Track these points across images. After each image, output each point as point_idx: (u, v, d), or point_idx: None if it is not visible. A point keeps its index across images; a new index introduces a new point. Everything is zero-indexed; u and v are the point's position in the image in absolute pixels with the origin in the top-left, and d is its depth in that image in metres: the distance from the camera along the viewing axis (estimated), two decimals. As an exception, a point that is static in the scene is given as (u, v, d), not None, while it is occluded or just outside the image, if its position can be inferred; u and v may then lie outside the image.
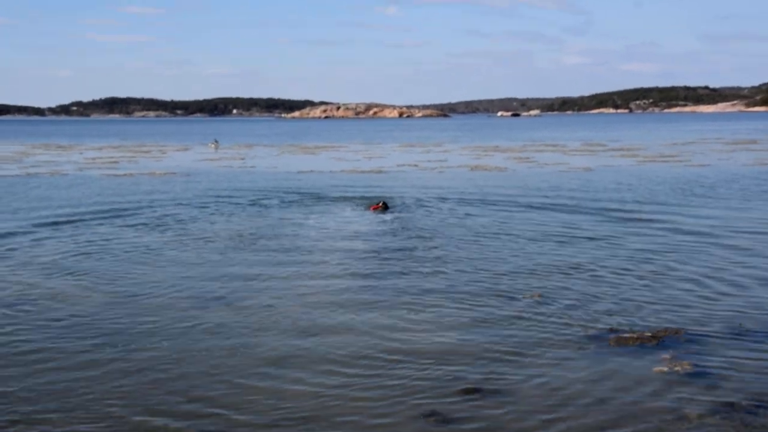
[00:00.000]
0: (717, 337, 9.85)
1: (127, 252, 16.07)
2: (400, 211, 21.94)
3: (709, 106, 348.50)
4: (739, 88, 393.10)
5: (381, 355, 9.39)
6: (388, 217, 20.89)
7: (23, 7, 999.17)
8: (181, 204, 24.45)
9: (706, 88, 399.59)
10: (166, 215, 21.73)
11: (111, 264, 14.86)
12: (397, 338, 10.02)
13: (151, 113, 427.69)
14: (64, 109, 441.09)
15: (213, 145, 69.67)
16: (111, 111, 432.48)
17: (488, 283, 12.95)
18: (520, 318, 10.82)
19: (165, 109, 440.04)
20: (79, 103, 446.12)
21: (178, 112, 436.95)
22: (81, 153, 60.35)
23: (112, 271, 14.23)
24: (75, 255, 15.78)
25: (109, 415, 7.69)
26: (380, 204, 22.17)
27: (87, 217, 21.47)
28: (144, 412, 7.75)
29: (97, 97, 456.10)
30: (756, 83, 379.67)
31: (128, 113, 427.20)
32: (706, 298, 11.85)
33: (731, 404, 7.70)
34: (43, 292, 12.61)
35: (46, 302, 11.98)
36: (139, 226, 19.67)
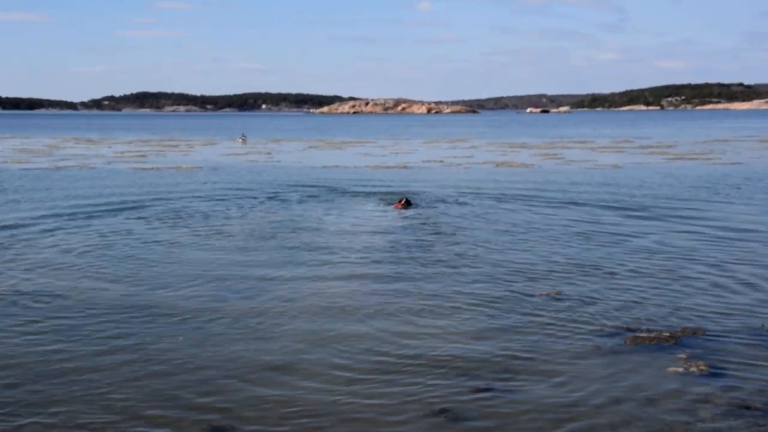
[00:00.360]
0: (736, 338, 9.68)
1: (145, 246, 16.17)
2: (423, 208, 21.85)
3: (743, 103, 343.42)
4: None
5: (395, 355, 9.33)
6: (410, 213, 20.83)
7: (64, 7, 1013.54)
8: (204, 198, 24.59)
9: (741, 85, 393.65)
10: (188, 209, 21.85)
11: (129, 258, 14.95)
12: (409, 334, 9.98)
13: (181, 108, 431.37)
14: (96, 104, 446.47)
15: (241, 140, 70.03)
16: (142, 105, 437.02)
17: (507, 281, 12.85)
18: (537, 317, 10.71)
19: (195, 104, 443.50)
20: (110, 98, 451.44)
21: (208, 106, 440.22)
22: (110, 147, 61.04)
23: (129, 265, 14.31)
24: (92, 248, 15.91)
25: (121, 416, 7.68)
26: (403, 201, 22.04)
27: (109, 209, 21.67)
28: (155, 413, 7.73)
29: (128, 92, 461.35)
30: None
31: (159, 108, 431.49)
32: (728, 297, 11.66)
33: (746, 406, 7.56)
34: (58, 286, 12.65)
35: (60, 297, 12.01)
36: (160, 220, 19.79)
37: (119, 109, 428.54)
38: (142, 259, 14.86)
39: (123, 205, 22.54)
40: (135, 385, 8.37)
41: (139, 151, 53.47)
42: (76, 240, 16.77)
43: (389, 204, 22.41)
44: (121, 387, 8.30)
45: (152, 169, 37.22)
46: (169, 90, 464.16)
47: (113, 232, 17.86)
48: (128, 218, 20.07)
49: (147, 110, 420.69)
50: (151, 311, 11.12)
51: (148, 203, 23.09)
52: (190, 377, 8.57)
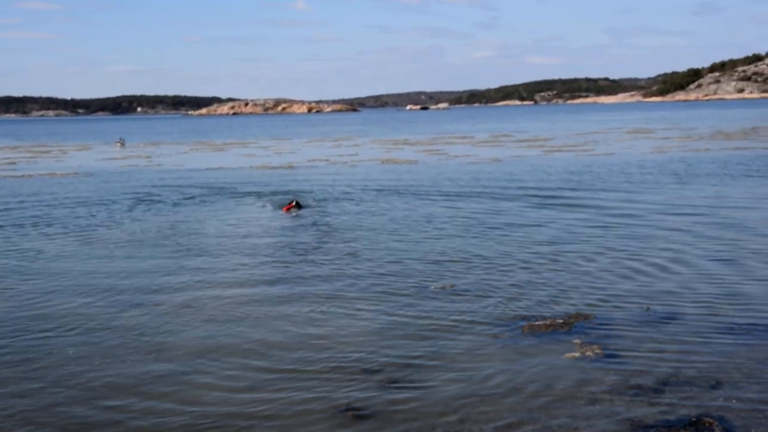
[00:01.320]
0: (625, 321, 10.08)
1: (21, 257, 15.34)
2: (312, 208, 21.71)
3: (609, 96, 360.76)
4: (637, 80, 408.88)
5: (294, 352, 9.22)
6: (300, 213, 20.65)
7: None
8: (82, 205, 23.57)
9: (607, 79, 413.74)
10: (67, 217, 20.89)
11: (7, 268, 14.14)
12: (310, 335, 9.87)
13: (51, 112, 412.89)
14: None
15: (119, 144, 67.87)
16: (6, 111, 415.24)
17: (402, 276, 12.92)
18: (434, 310, 10.81)
19: (65, 108, 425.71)
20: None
21: (80, 110, 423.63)
22: (-25, 155, 57.64)
23: (9, 274, 13.55)
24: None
25: (8, 421, 7.26)
26: (293, 203, 21.52)
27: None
28: (51, 424, 7.35)
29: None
30: (652, 74, 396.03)
31: (25, 113, 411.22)
32: (614, 282, 12.12)
33: (638, 385, 7.87)
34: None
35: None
36: (36, 229, 18.83)
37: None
38: (21, 270, 14.07)
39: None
40: (23, 403, 7.88)
41: (7, 159, 50.75)
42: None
43: (278, 207, 22.03)
44: (8, 407, 7.80)
45: (23, 176, 35.40)
46: (36, 94, 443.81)
47: (-14, 244, 16.85)
48: (1, 231, 18.96)
49: (12, 116, 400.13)
50: (34, 325, 10.53)
51: (23, 214, 21.92)
52: (83, 392, 8.14)
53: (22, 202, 24.79)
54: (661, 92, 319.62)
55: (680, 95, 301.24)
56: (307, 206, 21.79)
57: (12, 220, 20.45)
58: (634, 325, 9.92)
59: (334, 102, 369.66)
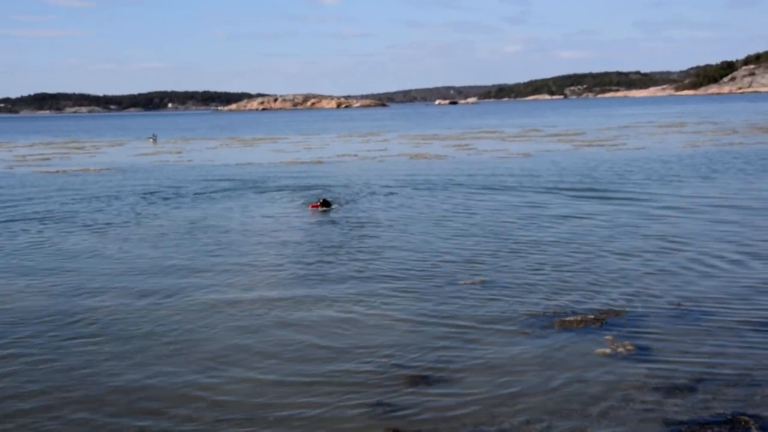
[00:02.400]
0: (657, 317, 9.98)
1: (56, 252, 15.56)
2: (342, 203, 21.75)
3: (640, 90, 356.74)
4: (669, 73, 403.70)
5: (324, 350, 9.25)
6: (328, 210, 20.69)
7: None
8: (116, 200, 23.83)
9: (638, 73, 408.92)
10: (98, 212, 21.15)
11: (42, 264, 14.36)
12: (339, 331, 9.91)
13: (84, 108, 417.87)
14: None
15: (151, 140, 68.65)
16: (41, 107, 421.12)
17: (431, 272, 12.91)
18: (464, 306, 10.79)
19: (98, 104, 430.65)
20: (6, 100, 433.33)
21: (112, 107, 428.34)
22: (10, 150, 58.56)
23: (43, 270, 13.76)
24: (2, 256, 15.21)
25: (49, 426, 7.39)
26: (320, 201, 21.08)
27: (15, 216, 20.75)
28: (85, 423, 7.47)
29: (25, 93, 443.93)
30: (684, 67, 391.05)
31: (59, 109, 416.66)
32: (644, 278, 12.01)
33: (671, 382, 7.80)
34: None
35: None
36: (69, 225, 19.08)
37: (16, 112, 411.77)
38: (58, 264, 14.29)
39: (33, 212, 21.60)
40: (63, 394, 8.04)
41: (42, 155, 51.45)
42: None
43: (307, 204, 21.89)
44: (48, 396, 7.97)
45: (58, 172, 35.87)
46: (69, 90, 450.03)
47: (24, 239, 17.13)
48: (41, 225, 19.26)
49: (47, 112, 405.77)
50: (68, 320, 10.69)
51: (60, 208, 22.23)
52: (119, 384, 8.27)
53: (55, 197, 25.13)
54: (694, 86, 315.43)
55: (713, 88, 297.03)
56: (336, 202, 21.82)
57: (45, 216, 20.75)
58: (665, 321, 9.82)
59: (363, 97, 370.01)
